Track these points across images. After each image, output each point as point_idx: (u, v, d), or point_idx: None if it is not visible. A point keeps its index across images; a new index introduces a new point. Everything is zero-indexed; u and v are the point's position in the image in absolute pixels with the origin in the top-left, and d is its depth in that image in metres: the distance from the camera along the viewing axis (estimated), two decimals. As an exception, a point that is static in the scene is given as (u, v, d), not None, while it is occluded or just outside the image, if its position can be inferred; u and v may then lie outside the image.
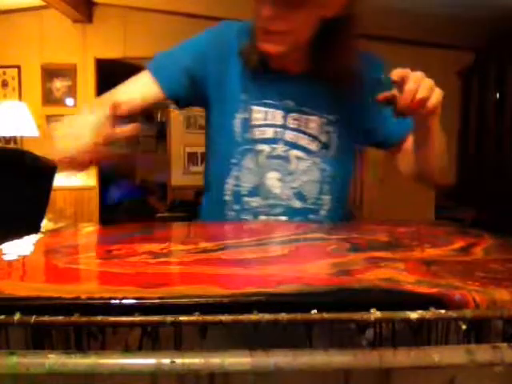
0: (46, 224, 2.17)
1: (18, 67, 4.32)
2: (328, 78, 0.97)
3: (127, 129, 0.81)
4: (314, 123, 1.01)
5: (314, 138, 1.01)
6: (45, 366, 0.37)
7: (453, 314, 0.38)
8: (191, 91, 1.01)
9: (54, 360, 0.37)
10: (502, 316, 0.39)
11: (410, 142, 1.02)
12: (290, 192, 1.00)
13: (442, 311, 0.39)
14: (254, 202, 1.00)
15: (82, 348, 0.40)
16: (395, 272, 0.49)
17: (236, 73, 1.00)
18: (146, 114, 5.68)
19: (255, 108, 1.00)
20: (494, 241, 0.69)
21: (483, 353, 0.38)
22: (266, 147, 1.00)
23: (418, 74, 0.82)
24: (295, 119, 1.01)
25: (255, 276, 0.49)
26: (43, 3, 3.81)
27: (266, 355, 0.37)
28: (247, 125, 1.00)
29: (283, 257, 0.60)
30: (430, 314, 0.38)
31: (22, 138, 3.96)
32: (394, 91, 0.84)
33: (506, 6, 3.20)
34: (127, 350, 0.40)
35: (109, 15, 4.32)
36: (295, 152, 1.00)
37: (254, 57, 0.97)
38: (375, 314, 0.38)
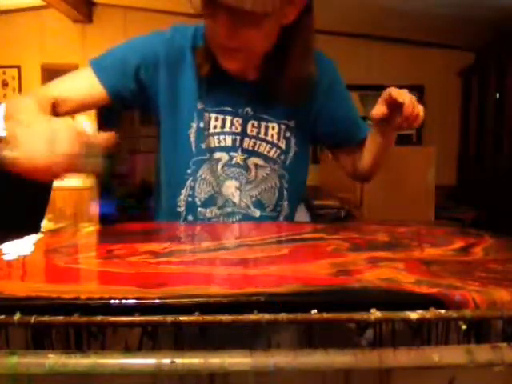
0: (46, 224, 2.17)
1: (18, 67, 4.32)
2: (283, 88, 0.95)
3: (103, 137, 0.73)
4: (272, 130, 0.99)
5: (273, 144, 0.99)
6: (45, 366, 0.37)
7: (453, 313, 0.38)
8: (137, 95, 0.95)
9: (54, 360, 0.37)
10: (502, 316, 0.39)
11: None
12: (249, 201, 0.99)
13: (442, 311, 0.39)
14: (209, 212, 0.98)
15: (82, 348, 0.40)
16: (395, 272, 0.49)
17: (190, 80, 0.96)
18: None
19: (213, 115, 0.97)
20: (494, 241, 0.69)
21: (483, 353, 0.38)
22: (224, 155, 0.97)
23: (406, 91, 0.84)
24: (254, 126, 0.98)
25: (255, 276, 0.49)
26: (43, 3, 3.81)
27: (265, 355, 0.37)
28: (203, 134, 0.96)
29: (283, 257, 0.60)
30: (429, 314, 0.38)
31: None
32: (383, 108, 0.86)
33: (506, 6, 3.20)
34: (127, 350, 0.40)
35: (109, 15, 4.32)
36: (254, 159, 0.99)
37: (208, 63, 0.93)
38: (375, 314, 0.38)
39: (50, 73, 4.28)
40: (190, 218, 0.98)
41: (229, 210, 0.98)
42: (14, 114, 0.80)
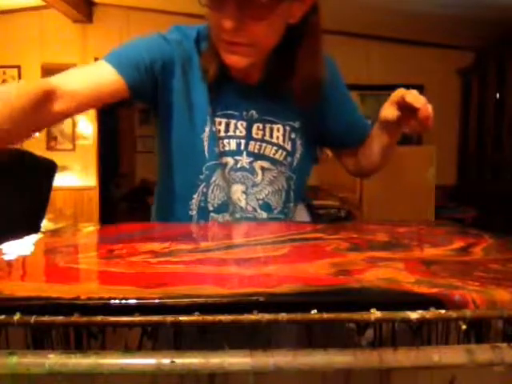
0: (46, 224, 2.17)
1: (18, 67, 4.33)
2: (291, 90, 0.94)
3: None
4: (278, 132, 0.98)
5: (279, 146, 0.99)
6: (45, 366, 0.37)
7: (453, 313, 0.38)
8: (152, 90, 0.92)
9: (54, 360, 0.37)
10: (502, 316, 0.39)
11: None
12: (256, 204, 0.98)
13: (442, 311, 0.39)
14: (221, 218, 0.97)
15: (82, 348, 0.40)
16: (395, 272, 0.49)
17: (200, 84, 0.95)
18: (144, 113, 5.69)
19: (217, 120, 0.96)
20: (494, 241, 0.69)
21: (483, 353, 0.38)
22: (229, 159, 0.96)
23: (416, 93, 0.83)
24: (259, 129, 0.98)
25: (255, 276, 0.49)
26: (43, 3, 3.82)
27: (265, 355, 0.37)
28: (215, 138, 0.95)
29: (283, 257, 0.60)
30: (430, 314, 0.38)
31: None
32: (395, 110, 0.85)
33: (506, 7, 3.20)
34: (127, 350, 0.40)
35: (109, 15, 4.33)
36: (260, 162, 0.98)
37: (214, 66, 0.92)
38: (375, 314, 0.38)
39: (50, 73, 4.27)
40: (202, 223, 0.97)
41: (238, 215, 0.97)
42: None
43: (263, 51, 0.90)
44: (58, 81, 0.81)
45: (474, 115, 4.14)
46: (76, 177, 4.42)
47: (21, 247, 0.67)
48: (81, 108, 0.84)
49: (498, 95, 3.77)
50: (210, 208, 0.97)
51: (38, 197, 1.78)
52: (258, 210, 0.98)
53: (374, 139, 1.00)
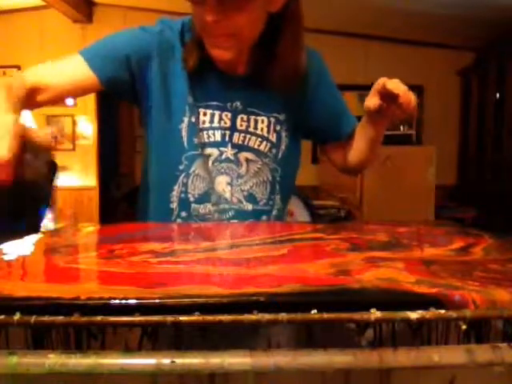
0: (46, 224, 2.17)
1: (18, 67, 4.32)
2: (274, 78, 0.95)
3: (44, 133, 0.73)
4: (262, 123, 0.99)
5: (264, 138, 0.99)
6: (45, 366, 0.37)
7: (453, 313, 0.38)
8: (128, 85, 0.94)
9: (54, 360, 0.37)
10: (502, 316, 0.39)
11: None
12: (241, 195, 0.98)
13: (442, 311, 0.39)
14: (203, 208, 0.97)
15: (82, 348, 0.40)
16: (395, 272, 0.49)
17: (180, 75, 0.95)
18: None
19: (202, 110, 0.96)
20: (494, 241, 0.69)
21: (483, 353, 0.38)
22: (214, 151, 0.97)
23: (398, 81, 0.85)
24: (244, 120, 0.98)
25: (255, 276, 0.49)
26: (43, 3, 3.82)
27: (266, 355, 0.37)
28: (195, 129, 0.96)
29: (283, 257, 0.60)
30: (429, 314, 0.38)
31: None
32: (377, 99, 0.86)
33: (506, 6, 3.21)
34: (127, 350, 0.40)
35: (109, 15, 4.33)
36: (245, 154, 0.98)
37: (194, 57, 0.93)
38: (375, 314, 0.38)
39: (50, 73, 4.29)
40: (184, 214, 0.97)
41: (222, 206, 0.97)
42: None
43: (246, 41, 0.91)
44: (41, 74, 0.90)
45: (473, 115, 4.14)
46: (76, 177, 4.42)
47: (21, 247, 0.67)
48: (59, 99, 0.93)
49: (498, 95, 3.77)
50: (191, 199, 0.97)
51: (38, 197, 1.78)
52: (244, 202, 0.98)
53: (359, 133, 1.01)
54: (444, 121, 4.39)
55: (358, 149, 1.03)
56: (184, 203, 0.97)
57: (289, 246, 0.67)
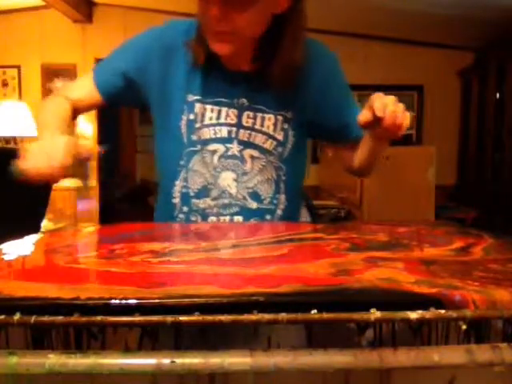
0: (46, 224, 2.17)
1: (18, 67, 4.32)
2: (275, 75, 0.95)
3: (89, 149, 0.86)
4: (269, 121, 0.99)
5: (270, 136, 0.99)
6: (45, 366, 0.37)
7: (453, 313, 0.38)
8: (129, 94, 1.01)
9: (54, 360, 0.37)
10: (502, 316, 0.39)
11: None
12: (245, 192, 0.98)
13: (442, 311, 0.39)
14: (202, 203, 0.98)
15: (82, 348, 0.40)
16: (395, 272, 0.49)
17: (181, 73, 0.98)
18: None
19: (208, 107, 0.98)
20: (494, 241, 0.69)
21: (483, 353, 0.38)
22: (220, 147, 0.98)
23: (391, 99, 0.80)
24: (250, 117, 0.99)
25: (255, 276, 0.49)
26: (43, 3, 3.81)
27: (265, 355, 0.37)
28: (193, 126, 0.98)
29: (283, 257, 0.60)
30: (429, 314, 0.38)
31: (22, 138, 3.96)
32: (369, 114, 0.81)
33: (506, 7, 3.20)
34: (127, 350, 0.40)
35: (109, 15, 4.32)
36: (250, 151, 0.99)
37: (202, 54, 0.95)
38: (375, 314, 0.38)
39: (50, 73, 4.29)
40: (185, 209, 0.99)
41: (225, 201, 0.98)
42: (37, 129, 0.96)
43: (247, 39, 0.92)
44: (71, 96, 1.01)
45: (473, 115, 4.14)
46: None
47: (21, 247, 0.67)
48: (83, 112, 1.05)
49: (498, 95, 3.76)
50: (191, 194, 0.99)
51: (38, 197, 1.78)
52: (248, 200, 0.99)
53: (363, 141, 1.00)
54: (444, 121, 4.39)
55: (359, 156, 1.03)
56: (185, 198, 0.99)
57: (289, 245, 0.67)
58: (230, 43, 0.90)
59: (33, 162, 0.80)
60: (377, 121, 0.80)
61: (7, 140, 4.08)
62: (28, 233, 0.76)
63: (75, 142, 0.84)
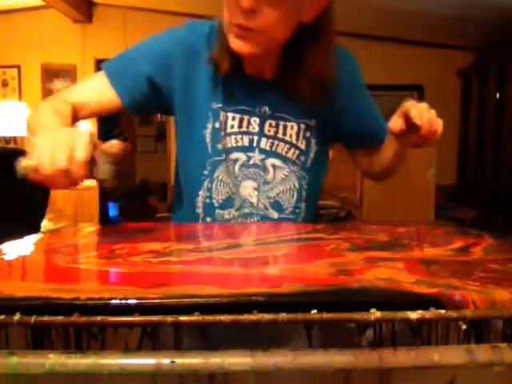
0: (46, 224, 2.17)
1: (18, 67, 4.33)
2: (301, 87, 0.93)
3: (117, 144, 0.76)
4: (291, 130, 0.97)
5: (292, 145, 0.97)
6: (45, 366, 0.37)
7: (453, 313, 0.38)
8: (153, 100, 0.96)
9: (54, 360, 0.37)
10: (502, 316, 0.39)
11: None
12: (267, 202, 0.97)
13: (442, 311, 0.39)
14: (227, 214, 0.96)
15: (82, 348, 0.40)
16: (395, 272, 0.49)
17: (205, 80, 0.94)
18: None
19: (230, 115, 0.95)
20: (494, 241, 0.69)
21: (483, 353, 0.38)
22: (241, 155, 0.96)
23: (425, 106, 0.81)
24: (272, 126, 0.97)
25: (255, 276, 0.49)
26: (43, 3, 3.82)
27: (265, 355, 0.37)
28: (218, 135, 0.95)
29: (283, 257, 0.60)
30: (429, 314, 0.38)
31: (22, 138, 3.96)
32: (401, 122, 0.83)
33: (506, 7, 3.20)
34: (127, 350, 0.40)
35: (109, 15, 4.33)
36: (272, 160, 0.97)
37: (226, 62, 0.91)
38: (375, 314, 0.38)
39: (50, 73, 4.29)
40: (208, 219, 0.97)
41: (246, 211, 0.96)
42: (34, 127, 0.81)
43: (271, 42, 0.87)
44: (75, 98, 0.92)
45: (473, 115, 4.14)
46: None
47: (21, 247, 0.67)
48: (89, 117, 0.97)
49: (498, 95, 3.77)
50: (216, 204, 0.96)
51: (38, 197, 1.78)
52: (269, 209, 0.97)
53: (386, 144, 0.99)
54: (444, 121, 4.39)
55: (384, 158, 1.01)
56: (209, 208, 0.97)
57: (289, 245, 0.67)
58: (253, 43, 0.85)
59: (47, 159, 0.66)
60: (411, 128, 0.81)
61: (7, 140, 4.09)
62: (28, 233, 0.76)
63: (95, 135, 0.73)
